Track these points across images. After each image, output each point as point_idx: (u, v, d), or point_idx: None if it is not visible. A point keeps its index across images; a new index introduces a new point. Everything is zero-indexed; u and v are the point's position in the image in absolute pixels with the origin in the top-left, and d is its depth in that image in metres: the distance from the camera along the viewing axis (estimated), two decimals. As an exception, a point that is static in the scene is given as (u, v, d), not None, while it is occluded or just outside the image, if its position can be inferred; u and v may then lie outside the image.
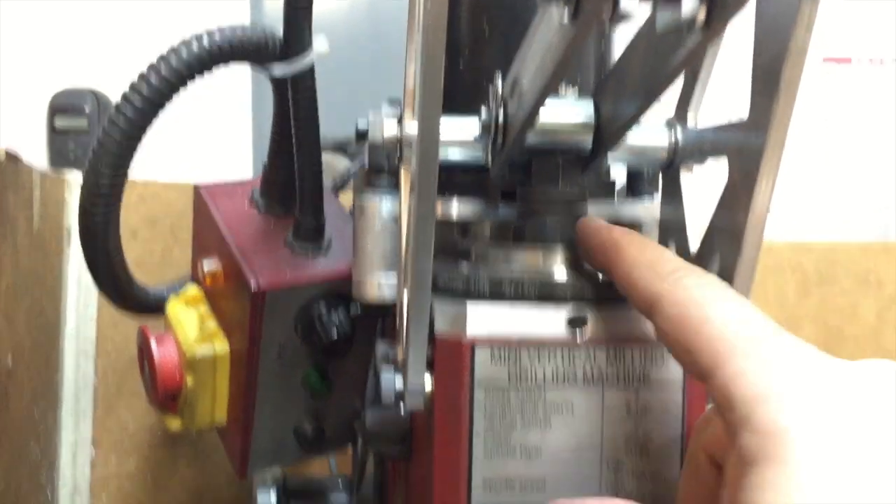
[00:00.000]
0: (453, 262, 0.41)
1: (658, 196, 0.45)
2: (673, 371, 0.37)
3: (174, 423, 0.56)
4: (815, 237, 0.83)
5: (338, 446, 0.60)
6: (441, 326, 0.37)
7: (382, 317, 0.52)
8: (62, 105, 1.29)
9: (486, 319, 0.36)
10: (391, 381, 0.38)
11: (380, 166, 0.46)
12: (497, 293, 0.37)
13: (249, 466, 0.56)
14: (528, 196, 0.40)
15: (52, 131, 1.26)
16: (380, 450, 0.48)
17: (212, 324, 0.55)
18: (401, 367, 0.39)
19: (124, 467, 0.68)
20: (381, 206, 0.46)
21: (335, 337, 0.51)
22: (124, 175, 0.45)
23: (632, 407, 0.37)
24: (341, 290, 0.52)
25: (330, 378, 0.55)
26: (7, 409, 0.49)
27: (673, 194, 0.43)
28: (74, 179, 0.64)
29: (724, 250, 0.37)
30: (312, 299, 0.52)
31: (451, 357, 0.36)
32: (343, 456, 0.70)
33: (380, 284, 0.46)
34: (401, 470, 0.54)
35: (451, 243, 0.44)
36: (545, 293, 0.37)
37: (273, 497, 0.52)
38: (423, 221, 0.34)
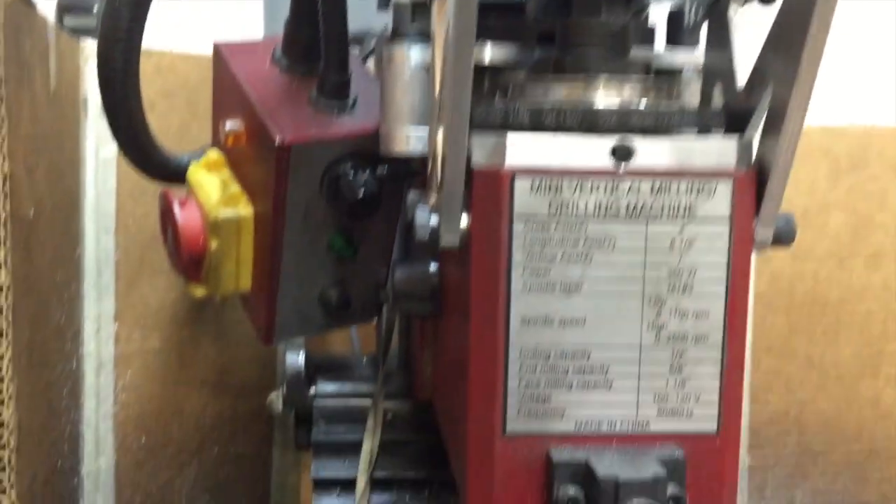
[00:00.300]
0: (488, 99, 0.40)
1: (700, 46, 0.43)
2: (720, 205, 0.35)
3: (199, 291, 0.56)
4: (849, 121, 0.80)
5: (363, 318, 0.59)
6: (479, 159, 0.36)
7: (410, 176, 0.50)
8: (71, 4, 1.26)
9: (526, 149, 0.35)
10: (426, 218, 0.37)
11: (406, 19, 0.44)
12: (537, 124, 0.36)
13: (275, 334, 0.56)
14: (569, 28, 0.38)
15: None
16: (409, 309, 0.47)
17: (235, 187, 0.53)
18: (435, 206, 0.37)
19: (148, 343, 0.67)
20: (410, 53, 0.44)
21: (361, 196, 0.50)
22: (143, 17, 0.43)
23: (676, 242, 0.35)
24: (367, 151, 0.50)
25: (355, 243, 0.54)
26: (30, 260, 0.48)
27: (720, 35, 0.40)
28: (90, 48, 0.62)
29: (777, 81, 0.35)
30: (338, 158, 0.50)
31: (490, 189, 0.35)
32: (366, 336, 0.70)
33: (408, 137, 0.44)
34: (429, 332, 0.53)
35: (483, 88, 0.42)
36: (588, 123, 0.35)
37: (301, 358, 0.52)
38: (462, 38, 0.32)
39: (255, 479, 0.72)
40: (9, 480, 0.43)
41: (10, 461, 0.43)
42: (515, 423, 0.36)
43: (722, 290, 0.36)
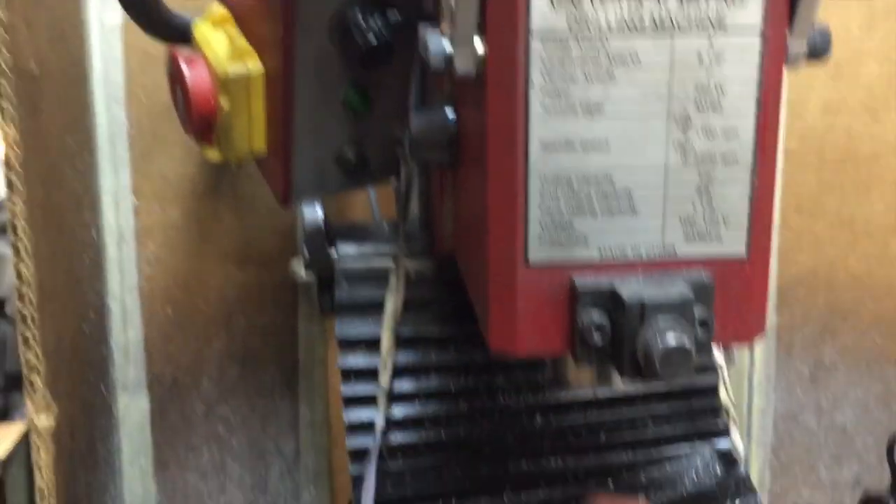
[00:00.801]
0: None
1: None
2: (752, 14, 0.33)
3: (213, 154, 0.55)
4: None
5: (382, 177, 0.58)
6: (492, -25, 0.33)
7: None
8: None
9: (542, -41, 0.33)
10: (439, 45, 0.35)
11: None
12: (554, -67, 0.33)
13: (293, 194, 0.55)
14: None
15: None
16: (427, 157, 0.46)
17: (242, 42, 0.52)
18: (449, 31, 0.35)
19: (168, 216, 0.67)
20: None
21: (374, 43, 0.48)
22: None
23: (704, 56, 0.33)
24: (377, -4, 0.48)
25: (370, 96, 0.52)
26: (38, 119, 0.47)
27: None
28: None
29: None
30: (346, 3, 0.48)
31: (505, 5, 0.33)
32: (386, 203, 0.69)
33: (418, -29, 0.42)
34: (448, 184, 0.52)
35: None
36: (608, -71, 0.33)
37: (319, 211, 0.51)
38: None
39: (284, 350, 0.73)
40: (34, 338, 0.44)
41: (33, 319, 0.43)
42: (538, 252, 0.35)
43: (752, 106, 0.34)
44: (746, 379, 0.79)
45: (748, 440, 0.80)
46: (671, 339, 0.32)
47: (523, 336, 0.36)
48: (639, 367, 0.33)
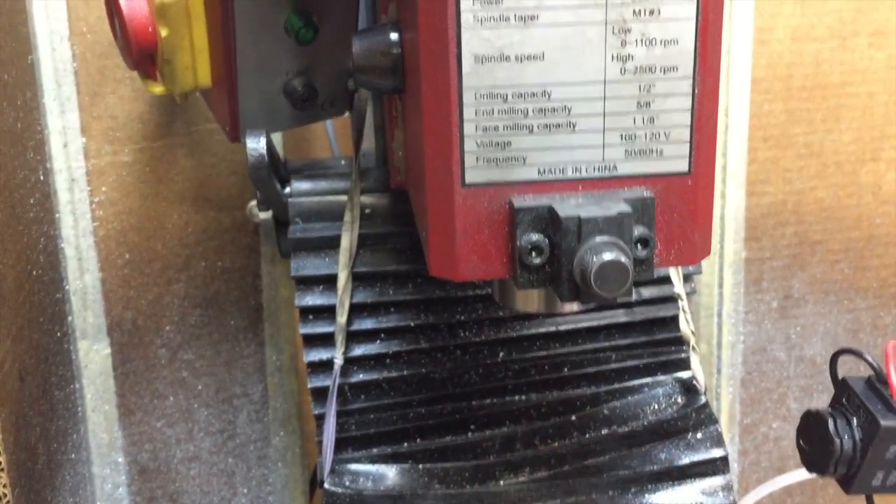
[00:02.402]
0: None
1: None
2: (689, -86, 0.32)
3: (156, 88, 0.53)
4: None
5: (334, 111, 0.57)
6: None
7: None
8: None
9: None
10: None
11: None
12: None
13: (241, 129, 0.53)
14: None
15: None
16: (371, 84, 0.44)
17: (180, -32, 0.50)
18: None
19: (119, 157, 0.65)
20: None
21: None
22: None
23: (641, -40, 0.32)
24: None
25: (315, 23, 0.51)
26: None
27: None
28: None
29: None
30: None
31: None
32: (346, 141, 0.68)
33: None
34: (398, 113, 0.51)
35: None
36: None
37: (262, 141, 0.49)
38: None
39: (247, 293, 0.72)
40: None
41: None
42: (475, 173, 0.34)
43: (692, 12, 0.33)
44: (716, 314, 0.78)
45: (718, 374, 0.80)
46: (606, 254, 0.31)
47: (463, 260, 0.35)
48: (577, 288, 0.32)
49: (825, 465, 0.40)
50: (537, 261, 0.33)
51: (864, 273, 0.80)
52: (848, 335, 0.81)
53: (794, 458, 0.44)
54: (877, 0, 0.74)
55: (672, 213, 0.34)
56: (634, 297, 0.57)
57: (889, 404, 0.39)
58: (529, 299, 0.39)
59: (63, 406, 0.63)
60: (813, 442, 0.41)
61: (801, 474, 0.69)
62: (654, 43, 0.33)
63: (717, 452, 0.53)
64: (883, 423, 0.39)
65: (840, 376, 0.43)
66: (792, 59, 0.74)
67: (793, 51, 0.73)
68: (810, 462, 0.42)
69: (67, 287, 0.65)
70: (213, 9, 0.49)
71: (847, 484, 0.40)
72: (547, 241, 0.33)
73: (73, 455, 0.65)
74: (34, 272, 0.57)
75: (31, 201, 0.57)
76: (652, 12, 0.32)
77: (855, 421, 0.39)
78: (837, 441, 0.39)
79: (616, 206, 0.33)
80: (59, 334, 0.63)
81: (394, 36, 0.40)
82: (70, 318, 0.66)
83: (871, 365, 0.41)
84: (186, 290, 0.70)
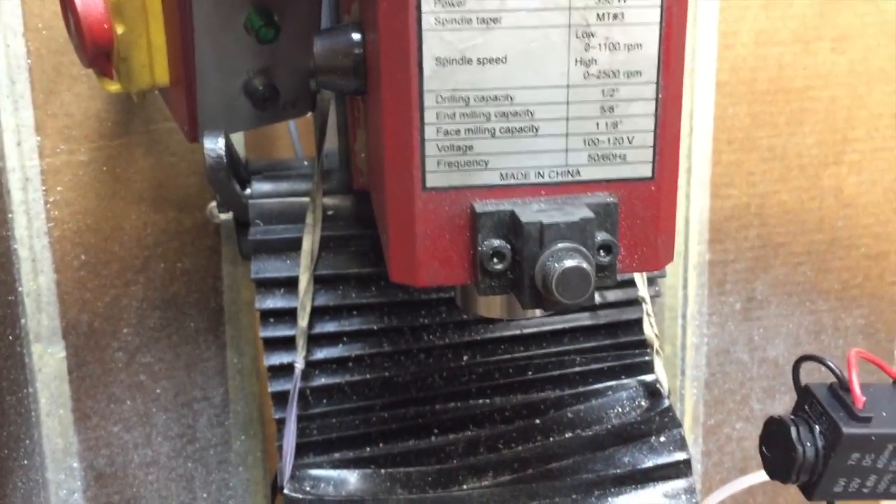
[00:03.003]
0: None
1: None
2: (653, -83, 0.31)
3: (112, 86, 0.52)
4: None
5: (296, 111, 0.56)
6: None
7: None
8: None
9: None
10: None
11: None
12: None
13: (199, 129, 0.52)
14: None
15: None
16: (332, 84, 0.43)
17: (137, -37, 0.48)
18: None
19: (76, 157, 0.64)
20: None
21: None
22: None
23: (604, -37, 0.32)
24: None
25: (276, 22, 0.50)
26: None
27: None
28: None
29: None
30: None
31: None
32: (310, 141, 0.67)
33: None
34: (360, 114, 0.50)
35: None
36: None
37: (220, 142, 0.48)
38: None
39: (207, 295, 0.71)
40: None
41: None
42: (436, 177, 0.33)
43: (656, 18, 0.32)
44: (680, 315, 0.79)
45: (682, 376, 0.80)
46: (568, 260, 0.31)
47: (423, 265, 0.34)
48: (539, 294, 0.32)
49: (788, 472, 0.40)
50: (499, 267, 0.33)
51: (825, 275, 0.81)
52: (810, 337, 0.82)
53: (756, 459, 0.44)
54: (839, 5, 0.74)
55: (635, 218, 0.34)
56: (599, 300, 0.57)
57: (851, 412, 0.39)
58: (492, 305, 0.39)
59: (15, 411, 0.61)
60: (775, 449, 0.41)
61: (764, 475, 0.70)
62: (617, 47, 0.32)
63: (679, 456, 0.53)
64: (845, 430, 0.39)
65: (803, 383, 0.43)
66: (756, 63, 0.74)
67: (757, 55, 0.74)
68: (773, 470, 0.42)
69: (21, 289, 0.64)
70: (170, 6, 0.48)
71: (809, 491, 0.40)
72: (509, 246, 0.33)
73: (25, 461, 0.63)
74: (-16, 273, 0.55)
75: (-18, 201, 0.56)
76: (616, 17, 0.32)
77: (818, 428, 0.39)
78: (800, 448, 0.39)
79: (579, 211, 0.32)
80: (10, 337, 0.61)
81: (356, 36, 0.39)
82: (23, 321, 0.64)
83: (833, 372, 0.41)
84: (145, 291, 0.68)
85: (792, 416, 0.41)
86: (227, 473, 0.74)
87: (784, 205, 0.78)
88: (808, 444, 0.39)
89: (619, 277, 0.56)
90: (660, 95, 0.33)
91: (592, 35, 0.32)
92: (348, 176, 0.57)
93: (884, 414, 0.39)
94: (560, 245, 0.31)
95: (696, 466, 0.82)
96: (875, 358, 0.41)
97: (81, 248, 0.65)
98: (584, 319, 0.57)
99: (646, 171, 0.34)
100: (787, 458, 0.40)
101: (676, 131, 0.34)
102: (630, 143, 0.34)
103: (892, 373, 0.42)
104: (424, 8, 0.31)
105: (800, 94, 0.75)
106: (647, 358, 0.58)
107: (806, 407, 0.41)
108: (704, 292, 0.79)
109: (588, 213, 0.32)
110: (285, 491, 0.52)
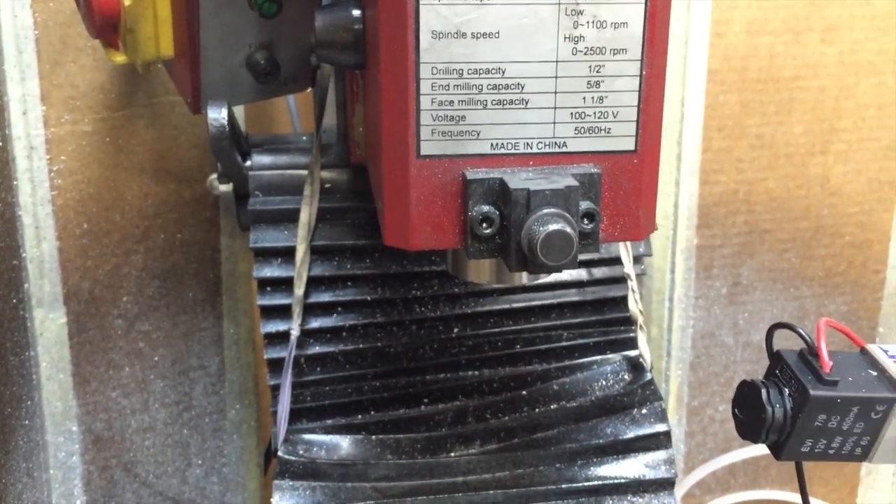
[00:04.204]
0: None
1: None
2: None
3: (118, 57, 0.53)
4: None
5: (297, 86, 0.57)
6: None
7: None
8: None
9: None
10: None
11: None
12: None
13: (203, 101, 0.54)
14: None
15: None
16: (333, 59, 0.45)
17: (145, -63, 0.50)
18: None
19: (80, 127, 0.65)
20: None
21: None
22: None
23: (594, -56, 0.33)
24: None
25: (278, -2, 0.51)
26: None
27: None
28: None
29: None
30: None
31: None
32: (309, 116, 0.68)
33: None
34: (359, 88, 0.52)
35: None
36: None
37: (223, 112, 0.50)
38: None
39: (206, 266, 0.72)
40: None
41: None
42: (430, 145, 0.35)
43: (642, -3, 0.34)
44: (667, 298, 0.81)
45: (668, 357, 0.82)
46: (552, 225, 0.32)
47: (417, 230, 0.36)
48: (525, 257, 0.34)
49: (758, 432, 0.42)
50: (488, 231, 0.34)
51: (810, 262, 0.82)
52: (793, 321, 0.83)
53: (738, 440, 0.46)
54: (830, -5, 0.76)
55: (618, 189, 0.36)
56: (586, 276, 0.59)
57: (819, 375, 0.41)
58: (481, 270, 0.40)
59: (18, 372, 0.63)
60: (747, 411, 0.43)
61: (743, 453, 0.72)
62: (604, 25, 0.34)
63: (660, 427, 0.55)
64: (812, 392, 0.41)
65: (775, 349, 0.45)
66: (747, 51, 0.76)
67: (748, 44, 0.75)
68: (744, 430, 0.44)
69: (24, 255, 0.65)
70: (176, -22, 0.49)
71: (778, 451, 0.42)
72: (497, 212, 0.34)
73: (26, 421, 0.65)
74: (-10, 237, 0.57)
75: (-11, 167, 0.57)
76: (603, -5, 0.34)
77: (787, 391, 0.41)
78: (769, 409, 0.41)
79: (564, 180, 0.34)
80: (14, 301, 0.63)
81: (356, 12, 0.40)
82: (26, 286, 0.66)
83: (803, 338, 0.43)
84: (145, 261, 0.70)
85: (763, 380, 0.43)
86: (221, 441, 0.76)
87: (771, 192, 0.80)
88: (778, 405, 0.41)
89: (608, 253, 0.58)
90: (644, 72, 0.35)
91: (581, 13, 0.34)
92: (346, 150, 0.58)
93: (850, 379, 0.41)
94: (545, 210, 0.33)
95: (680, 447, 0.84)
96: (843, 327, 0.43)
97: (84, 217, 0.67)
98: (571, 295, 0.59)
99: (629, 144, 0.36)
100: (757, 419, 0.42)
101: (659, 107, 0.36)
102: (615, 117, 0.35)
103: (859, 342, 0.44)
104: (421, -17, 0.33)
105: (789, 83, 0.77)
106: (631, 334, 0.59)
107: (777, 371, 0.43)
108: (691, 276, 0.81)
109: (573, 182, 0.34)
110: (279, 454, 0.54)
